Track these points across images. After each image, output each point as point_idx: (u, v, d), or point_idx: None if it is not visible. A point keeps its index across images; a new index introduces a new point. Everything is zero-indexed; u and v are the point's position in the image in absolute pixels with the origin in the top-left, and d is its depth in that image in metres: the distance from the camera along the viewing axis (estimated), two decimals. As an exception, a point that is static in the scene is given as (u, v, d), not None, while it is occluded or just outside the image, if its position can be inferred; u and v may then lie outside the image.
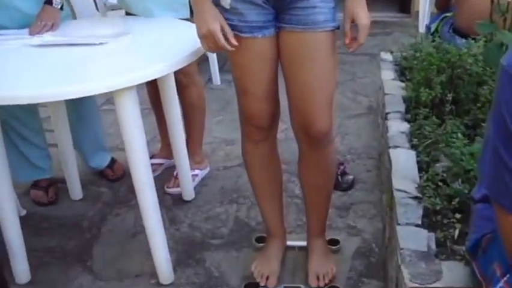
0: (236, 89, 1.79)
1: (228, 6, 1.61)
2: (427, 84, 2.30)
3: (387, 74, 2.73)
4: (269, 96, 1.76)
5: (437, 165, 1.96)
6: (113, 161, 2.65)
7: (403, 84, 2.57)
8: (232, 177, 2.64)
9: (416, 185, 1.86)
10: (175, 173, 2.50)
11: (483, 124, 2.04)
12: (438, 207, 1.71)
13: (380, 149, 2.66)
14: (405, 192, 1.82)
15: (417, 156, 2.02)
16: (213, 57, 3.57)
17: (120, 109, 1.73)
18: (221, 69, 3.66)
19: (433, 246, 1.58)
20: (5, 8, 2.11)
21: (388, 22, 4.73)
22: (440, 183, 1.81)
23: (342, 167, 2.55)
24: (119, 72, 1.69)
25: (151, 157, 2.61)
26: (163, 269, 1.99)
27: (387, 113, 2.36)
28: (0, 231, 1.99)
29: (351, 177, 2.55)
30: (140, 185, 1.87)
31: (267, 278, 1.95)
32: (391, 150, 2.07)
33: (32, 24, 2.06)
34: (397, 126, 2.24)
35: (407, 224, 1.67)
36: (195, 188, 2.51)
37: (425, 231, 1.63)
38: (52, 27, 2.06)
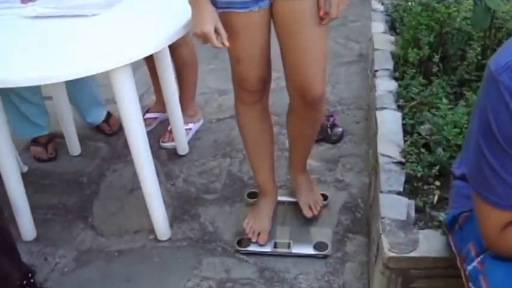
0: (229, 56, 1.84)
1: None
2: (415, 44, 2.33)
3: (378, 26, 2.73)
4: (262, 63, 1.82)
5: (422, 127, 2.03)
6: (109, 115, 2.70)
7: (393, 39, 2.59)
8: (225, 129, 2.70)
9: (400, 150, 1.94)
10: (169, 128, 2.56)
11: (466, 92, 2.09)
12: (419, 174, 1.81)
13: (368, 100, 2.71)
14: (390, 157, 1.91)
15: (403, 119, 2.09)
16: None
17: (116, 84, 1.77)
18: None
19: (412, 214, 1.69)
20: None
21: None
22: (423, 150, 1.89)
23: (332, 119, 2.60)
24: (116, 50, 1.71)
25: (146, 111, 2.68)
26: (160, 226, 2.10)
27: (376, 71, 2.40)
28: (4, 190, 2.06)
29: (340, 129, 2.62)
30: (135, 149, 1.93)
31: (259, 235, 2.06)
32: (378, 112, 2.14)
33: (24, -8, 2.05)
34: (385, 85, 2.29)
35: (389, 191, 1.76)
36: (189, 142, 2.58)
37: (406, 199, 1.73)
38: (44, -7, 2.06)
